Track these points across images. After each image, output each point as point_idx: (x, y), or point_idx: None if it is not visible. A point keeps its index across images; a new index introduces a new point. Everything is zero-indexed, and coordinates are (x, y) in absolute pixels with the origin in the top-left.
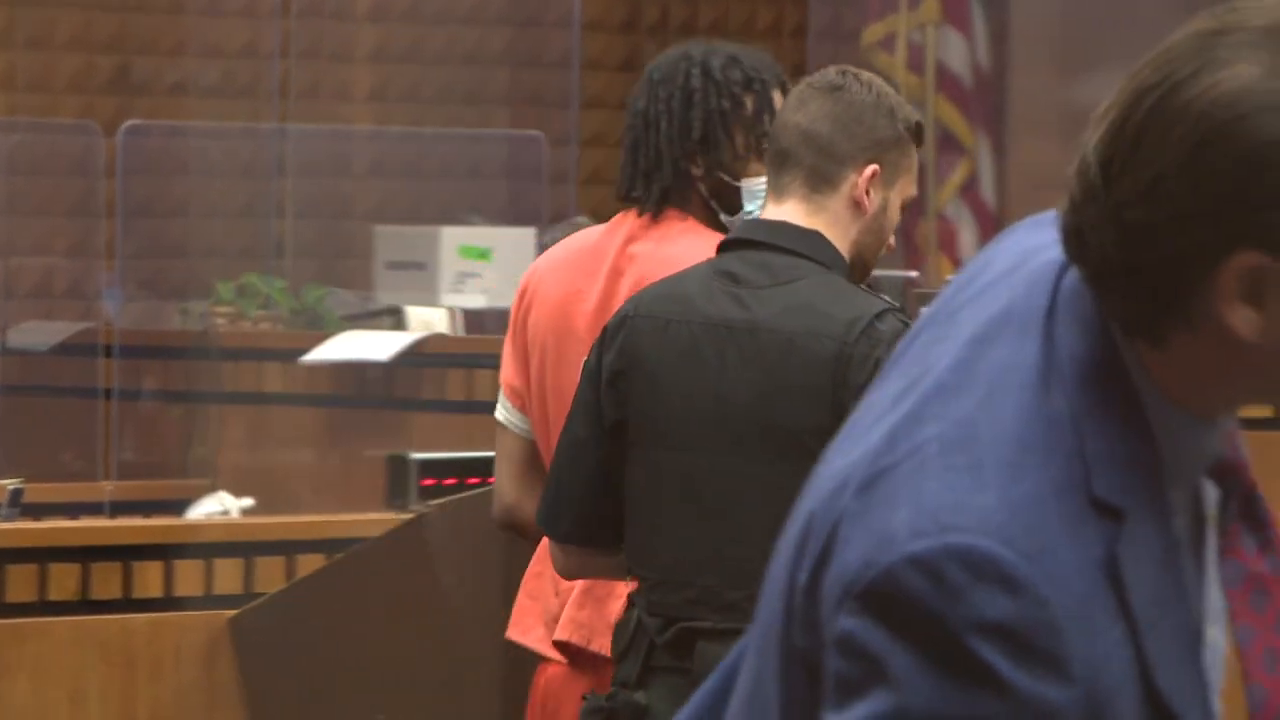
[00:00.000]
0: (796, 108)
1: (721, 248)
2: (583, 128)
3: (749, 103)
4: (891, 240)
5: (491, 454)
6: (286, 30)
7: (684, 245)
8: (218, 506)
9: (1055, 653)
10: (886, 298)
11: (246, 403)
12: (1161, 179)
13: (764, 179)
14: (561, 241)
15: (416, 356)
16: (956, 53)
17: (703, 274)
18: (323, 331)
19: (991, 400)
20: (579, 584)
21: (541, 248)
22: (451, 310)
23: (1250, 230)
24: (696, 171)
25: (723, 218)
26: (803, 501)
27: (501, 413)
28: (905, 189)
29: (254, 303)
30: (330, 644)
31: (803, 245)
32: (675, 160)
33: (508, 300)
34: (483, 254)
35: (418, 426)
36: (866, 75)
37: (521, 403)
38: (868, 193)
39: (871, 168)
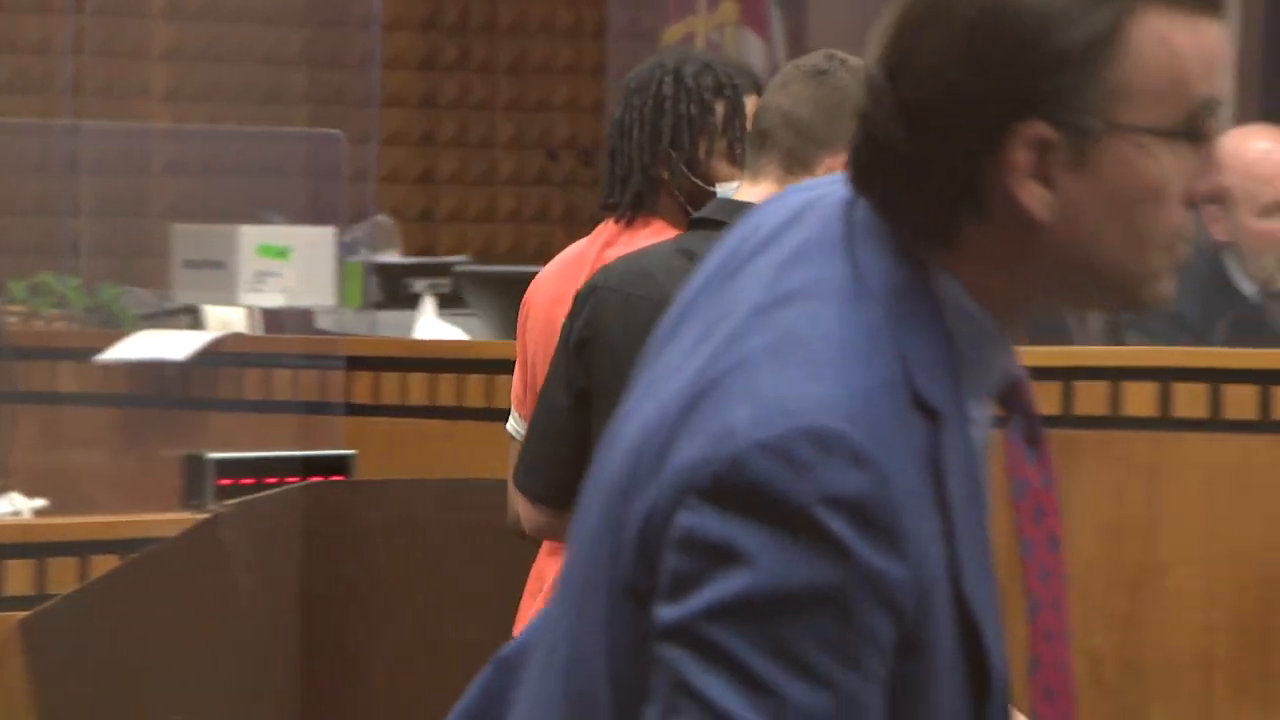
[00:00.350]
0: (779, 90)
1: (690, 225)
2: (382, 126)
3: (720, 108)
4: None
5: (290, 453)
6: (80, 27)
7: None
8: (9, 507)
9: (896, 530)
10: None
11: (40, 402)
12: (942, 62)
13: (737, 183)
14: (561, 252)
15: (214, 356)
16: (755, 54)
17: (666, 252)
18: (119, 331)
19: (812, 309)
20: None
21: (342, 246)
22: (250, 309)
23: (1032, 99)
24: (666, 176)
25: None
26: (612, 450)
27: (510, 424)
28: None
29: (48, 301)
30: (125, 645)
31: None
32: (645, 166)
33: (307, 299)
34: (281, 253)
35: (215, 426)
36: (855, 62)
37: (525, 412)
38: None
39: (828, 163)
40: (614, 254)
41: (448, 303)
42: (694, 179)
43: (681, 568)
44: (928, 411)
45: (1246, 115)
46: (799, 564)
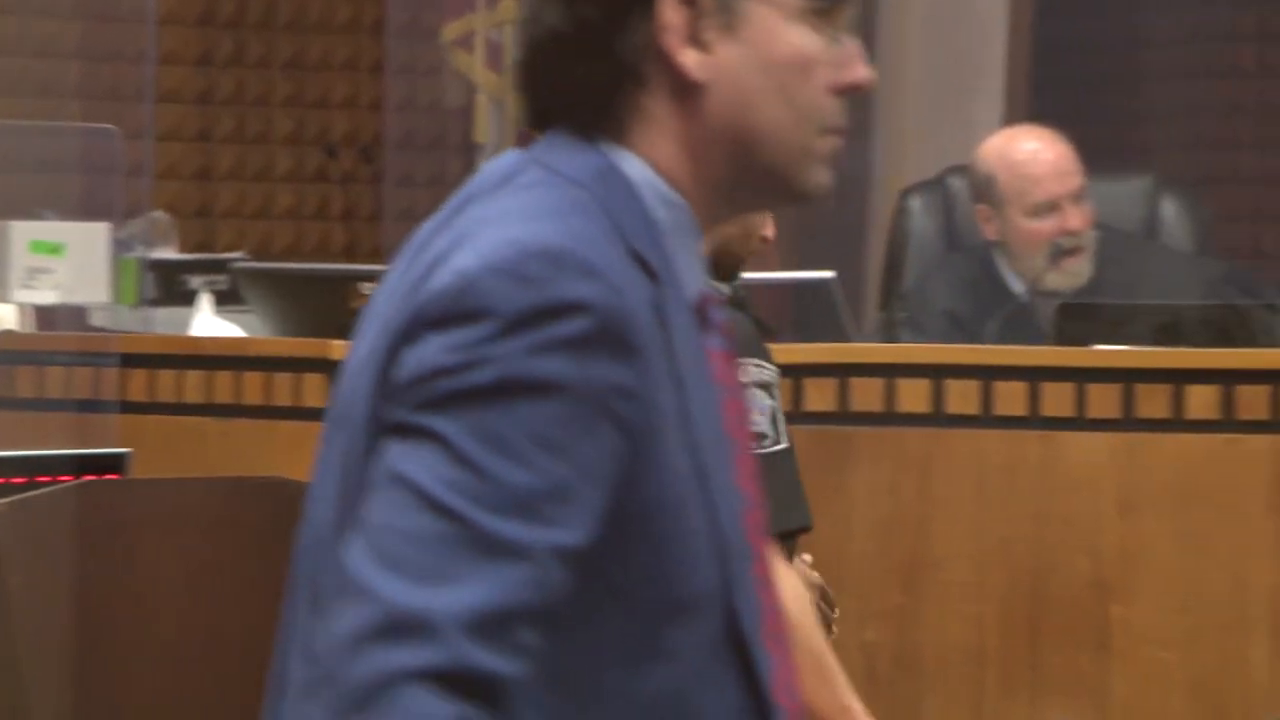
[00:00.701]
0: None
1: None
2: (158, 122)
3: None
4: (770, 233)
5: (63, 451)
6: None
7: None
8: None
9: (626, 339)
10: (728, 285)
11: None
12: None
13: None
14: None
15: None
16: None
17: None
18: None
19: (520, 194)
20: None
21: (117, 243)
22: (22, 306)
23: None
24: None
25: None
26: (358, 352)
27: None
28: None
29: None
30: None
31: None
32: None
33: (80, 296)
34: (55, 249)
35: None
36: None
37: None
38: None
39: None
40: None
41: (225, 300)
42: None
43: (407, 381)
44: (645, 267)
45: (1015, 116)
46: (521, 359)
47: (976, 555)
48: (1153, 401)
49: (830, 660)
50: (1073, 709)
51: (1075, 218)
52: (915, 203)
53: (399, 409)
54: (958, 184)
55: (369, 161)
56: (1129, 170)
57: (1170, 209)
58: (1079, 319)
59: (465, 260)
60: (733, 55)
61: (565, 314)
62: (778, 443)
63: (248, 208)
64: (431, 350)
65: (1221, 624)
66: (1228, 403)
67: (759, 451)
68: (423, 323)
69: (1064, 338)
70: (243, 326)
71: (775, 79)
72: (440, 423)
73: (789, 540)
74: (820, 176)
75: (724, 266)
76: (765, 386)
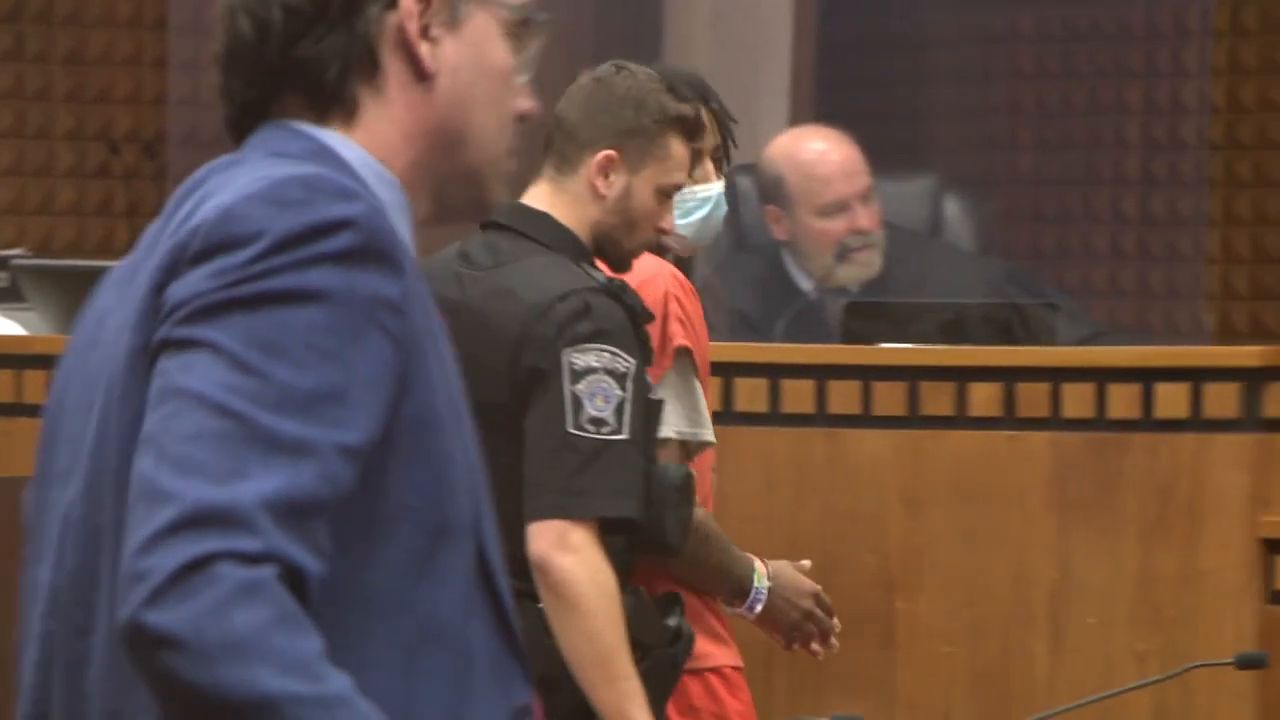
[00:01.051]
0: (564, 96)
1: (481, 228)
2: None
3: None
4: (667, 224)
5: None
6: None
7: None
8: None
9: (394, 256)
10: (604, 276)
11: None
12: None
13: (691, 188)
14: None
15: None
16: None
17: (449, 253)
18: None
19: (248, 169)
20: None
21: None
22: None
23: None
24: None
25: None
26: (102, 332)
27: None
28: (658, 177)
29: None
30: None
31: (529, 227)
32: None
33: None
34: None
35: None
36: (641, 70)
37: None
38: (607, 176)
39: (605, 153)
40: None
41: (5, 297)
42: None
43: (171, 307)
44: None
45: (800, 116)
46: (286, 274)
47: (764, 551)
48: (937, 399)
49: (621, 661)
50: (859, 703)
51: (864, 217)
52: None
53: (164, 328)
54: (744, 183)
55: (152, 158)
56: (913, 170)
57: (953, 208)
58: (865, 317)
59: (221, 199)
60: (456, 53)
61: (329, 231)
62: (618, 432)
63: (28, 204)
64: (196, 277)
65: (1004, 618)
66: (1009, 400)
67: (596, 437)
68: (186, 259)
69: (850, 336)
70: (23, 324)
71: (487, 84)
72: (210, 332)
73: (611, 530)
74: (501, 193)
75: (610, 256)
76: (618, 376)
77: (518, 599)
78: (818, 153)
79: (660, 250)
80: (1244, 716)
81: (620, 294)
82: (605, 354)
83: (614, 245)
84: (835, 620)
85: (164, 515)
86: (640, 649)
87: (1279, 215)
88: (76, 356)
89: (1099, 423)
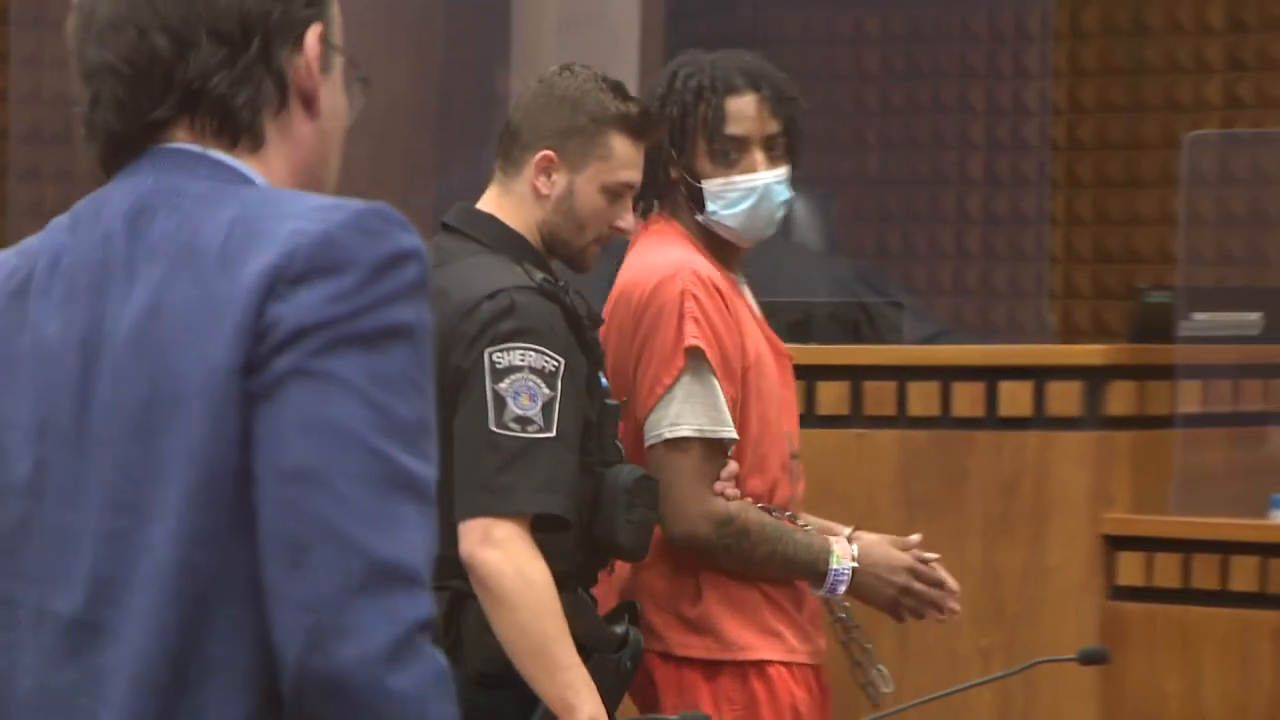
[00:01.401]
0: (514, 99)
1: (441, 228)
2: None
3: (701, 110)
4: (624, 222)
5: None
6: None
7: (648, 255)
8: None
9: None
10: (542, 275)
11: None
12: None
13: (721, 180)
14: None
15: None
16: None
17: None
18: None
19: (246, 193)
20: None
21: None
22: None
23: (318, 6)
24: (675, 175)
25: (697, 217)
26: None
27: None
28: (601, 175)
29: None
30: None
31: (473, 228)
32: (654, 167)
33: None
34: None
35: None
36: (577, 69)
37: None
38: (549, 176)
39: (543, 154)
40: (628, 260)
41: None
42: (689, 178)
43: (294, 332)
44: None
45: None
46: (386, 307)
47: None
48: None
49: (558, 651)
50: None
51: None
52: None
53: (289, 357)
54: None
55: None
56: None
57: (801, 208)
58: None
59: (298, 224)
60: (328, 97)
61: (406, 261)
62: (545, 430)
63: None
64: (311, 302)
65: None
66: (856, 398)
67: (521, 435)
68: (286, 280)
69: None
70: None
71: (339, 127)
72: (341, 367)
73: (542, 527)
74: None
75: (562, 256)
76: (545, 375)
77: (460, 599)
78: None
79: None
80: (1087, 711)
81: (557, 294)
82: (530, 352)
83: (563, 245)
84: (951, 585)
85: (353, 567)
86: (581, 650)
87: (1120, 215)
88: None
89: (944, 420)
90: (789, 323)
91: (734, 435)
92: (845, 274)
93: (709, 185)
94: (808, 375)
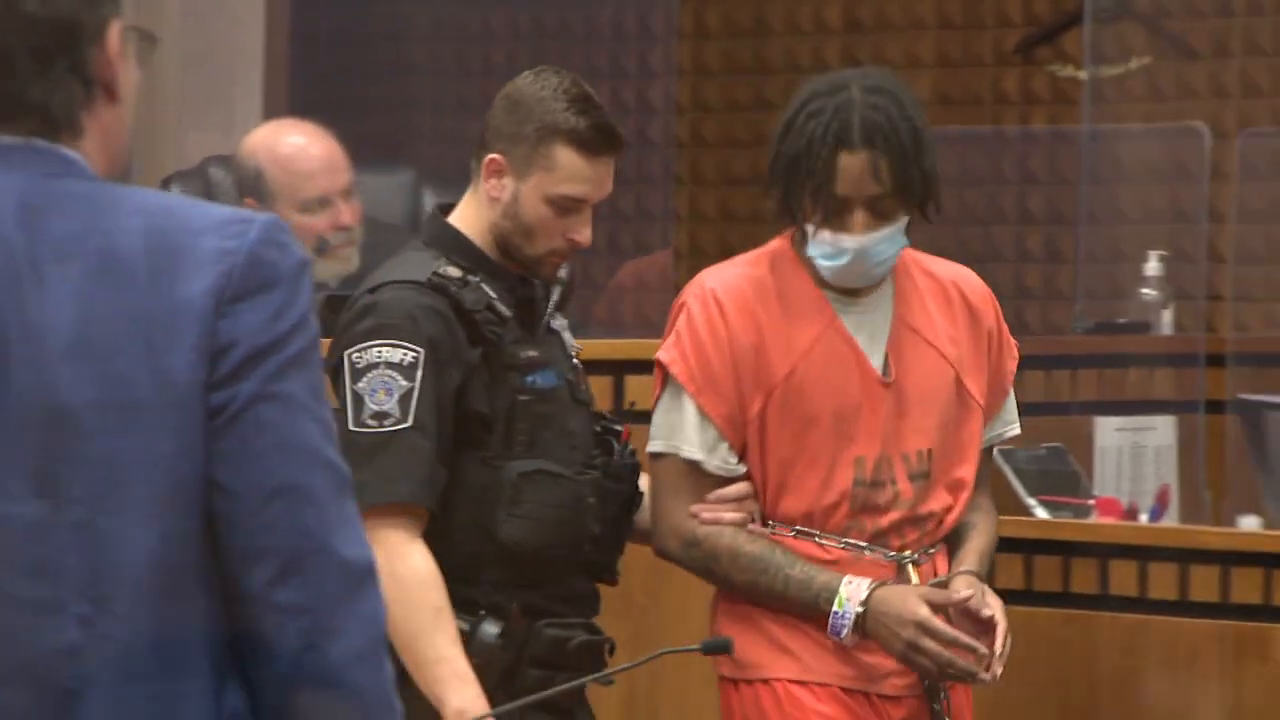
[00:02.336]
0: None
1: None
2: None
3: (806, 164)
4: (580, 237)
5: None
6: None
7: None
8: None
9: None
10: (455, 271)
11: None
12: None
13: (823, 231)
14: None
15: None
16: None
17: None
18: None
19: (110, 186)
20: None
21: None
22: None
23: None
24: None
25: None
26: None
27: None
28: (544, 186)
29: None
30: None
31: (425, 225)
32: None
33: None
34: None
35: None
36: (549, 75)
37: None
38: (500, 179)
39: (491, 156)
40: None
41: None
42: (795, 214)
43: (251, 353)
44: None
45: (275, 108)
46: (307, 319)
47: None
48: None
49: (425, 645)
50: None
51: (346, 213)
52: (175, 191)
53: (252, 381)
54: (219, 174)
55: None
56: (392, 164)
57: (432, 202)
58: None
59: (212, 241)
60: (127, 78)
61: (306, 269)
62: (401, 422)
63: None
64: (258, 322)
65: None
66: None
67: (377, 431)
68: (227, 300)
69: (330, 329)
70: None
71: (133, 99)
72: (292, 386)
73: (409, 514)
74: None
75: (519, 263)
76: (403, 367)
77: None
78: (298, 147)
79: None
80: (710, 701)
81: (446, 288)
82: (385, 348)
83: (517, 250)
84: (974, 647)
85: (338, 574)
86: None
87: (744, 211)
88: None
89: None
90: None
91: (695, 456)
92: None
93: (811, 231)
94: None
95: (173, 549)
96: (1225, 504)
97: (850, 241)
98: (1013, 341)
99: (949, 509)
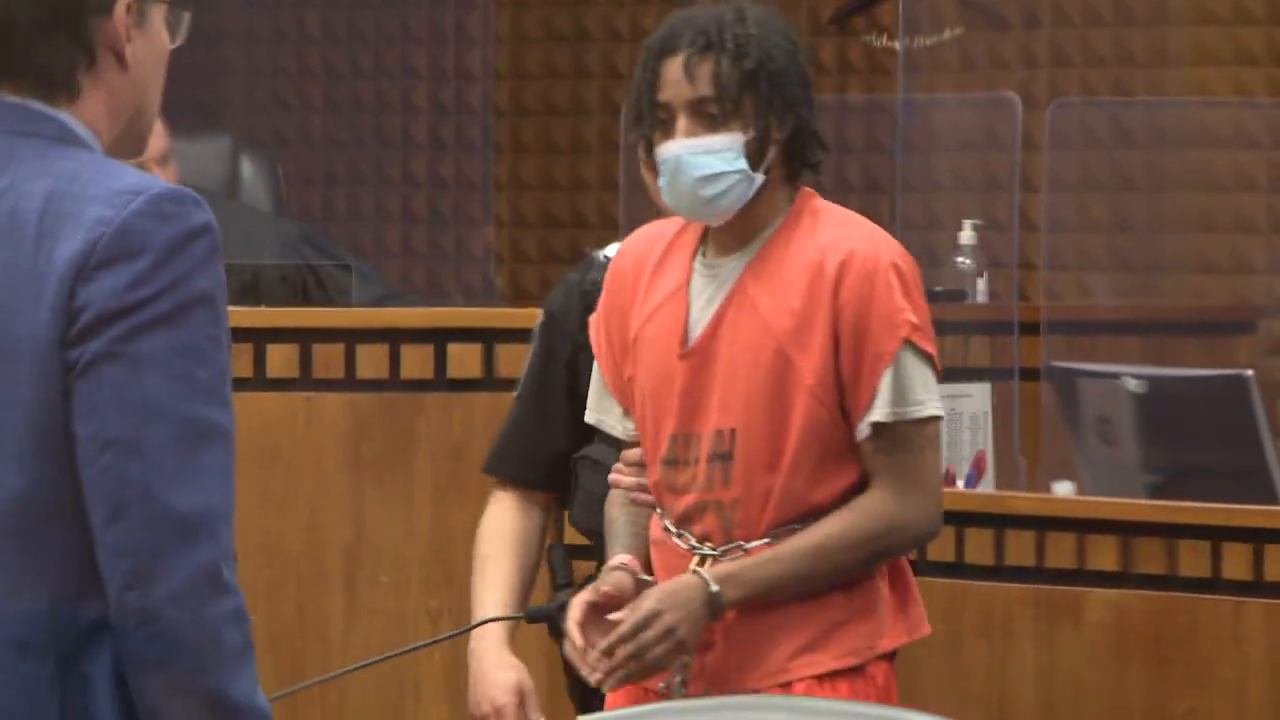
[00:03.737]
0: None
1: None
2: None
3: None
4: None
5: None
6: None
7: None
8: None
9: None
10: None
11: None
12: None
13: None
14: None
15: None
16: None
17: None
18: None
19: (67, 154)
20: None
21: None
22: None
23: None
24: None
25: None
26: None
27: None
28: None
29: None
30: None
31: None
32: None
33: None
34: None
35: None
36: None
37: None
38: None
39: None
40: None
41: None
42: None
43: (100, 317)
44: None
45: None
46: (184, 284)
47: None
48: (235, 361)
49: None
50: None
51: (163, 179)
52: None
53: (99, 341)
54: None
55: None
56: (209, 130)
57: (248, 169)
58: None
59: (102, 209)
60: (142, 46)
61: (197, 238)
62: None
63: None
64: (113, 287)
65: (299, 578)
66: (306, 361)
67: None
68: (90, 266)
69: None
70: None
71: (156, 66)
72: (146, 348)
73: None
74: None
75: None
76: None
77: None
78: None
79: None
80: (536, 666)
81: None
82: None
83: None
84: (580, 643)
85: (161, 522)
86: None
87: (565, 180)
88: None
89: (393, 383)
90: (238, 285)
91: (595, 418)
92: (293, 236)
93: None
94: (256, 338)
95: (41, 490)
96: (1039, 470)
97: (666, 152)
98: (907, 320)
99: (766, 496)
